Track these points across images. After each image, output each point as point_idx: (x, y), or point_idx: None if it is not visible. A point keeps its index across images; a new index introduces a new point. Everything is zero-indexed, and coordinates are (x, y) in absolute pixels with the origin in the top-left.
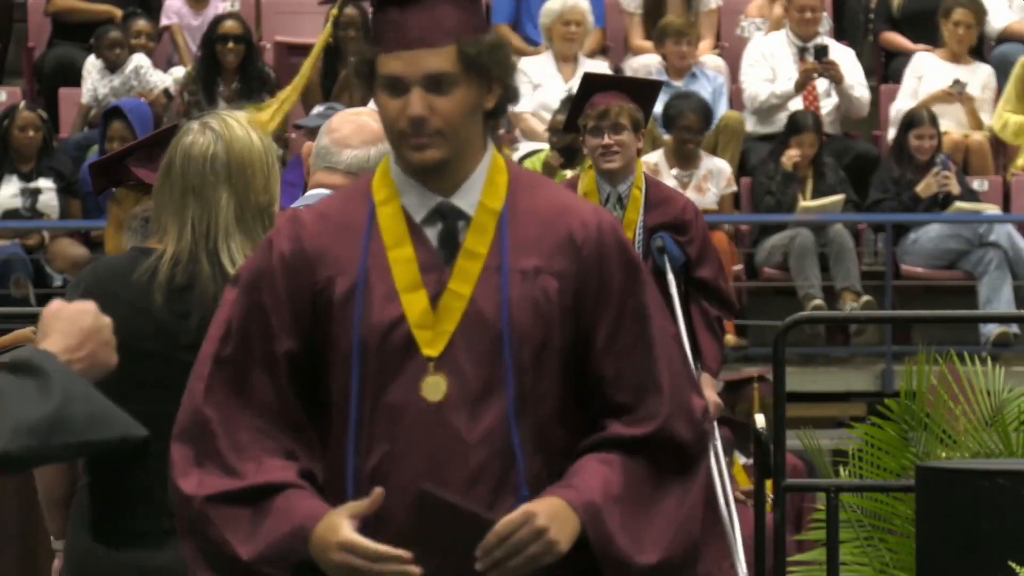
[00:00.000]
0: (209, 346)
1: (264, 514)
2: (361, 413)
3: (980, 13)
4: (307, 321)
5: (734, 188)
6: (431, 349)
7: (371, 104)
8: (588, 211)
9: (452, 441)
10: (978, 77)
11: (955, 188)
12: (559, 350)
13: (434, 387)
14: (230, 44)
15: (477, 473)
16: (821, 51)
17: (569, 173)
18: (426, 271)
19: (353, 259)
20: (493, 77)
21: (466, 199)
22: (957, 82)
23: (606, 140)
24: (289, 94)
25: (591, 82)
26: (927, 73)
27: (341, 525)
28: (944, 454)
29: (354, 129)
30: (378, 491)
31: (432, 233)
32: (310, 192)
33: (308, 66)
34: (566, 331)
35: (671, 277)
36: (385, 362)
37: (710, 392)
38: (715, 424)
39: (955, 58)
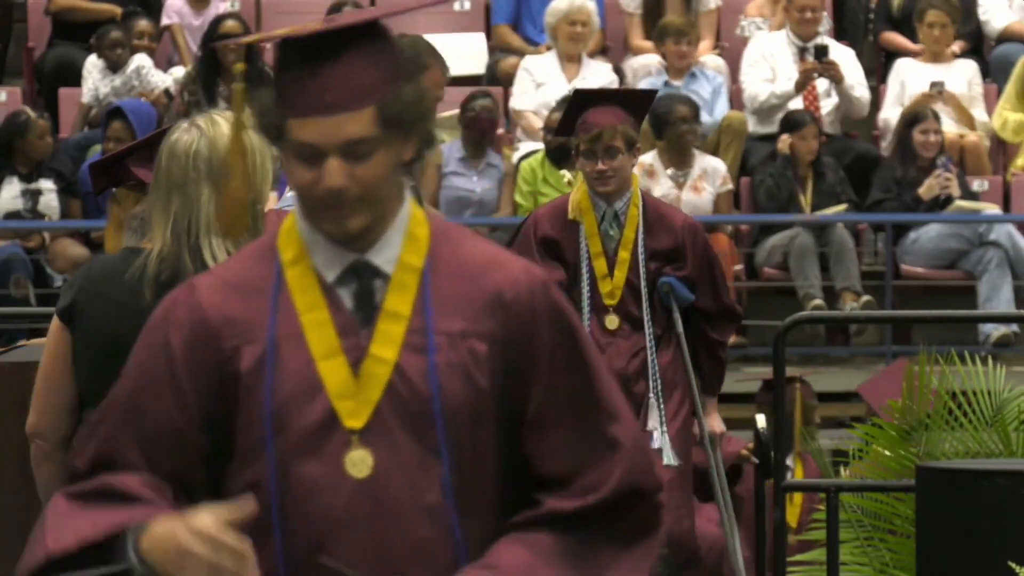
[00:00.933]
0: (95, 420)
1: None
2: (281, 498)
3: (954, 12)
4: (212, 402)
5: (730, 186)
6: (354, 421)
7: None
8: (518, 268)
9: (391, 518)
10: (962, 75)
11: (956, 190)
12: (494, 419)
13: (359, 462)
14: (231, 44)
15: (420, 551)
16: (821, 51)
17: (567, 174)
18: (344, 335)
19: (260, 326)
20: (414, 129)
21: (383, 255)
22: (934, 84)
23: (600, 166)
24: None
25: (582, 97)
26: (908, 78)
27: (200, 515)
28: (944, 454)
29: None
30: (249, 502)
31: (346, 294)
32: (290, 193)
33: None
34: (499, 399)
35: (677, 316)
36: (303, 438)
37: (714, 418)
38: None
39: (935, 59)
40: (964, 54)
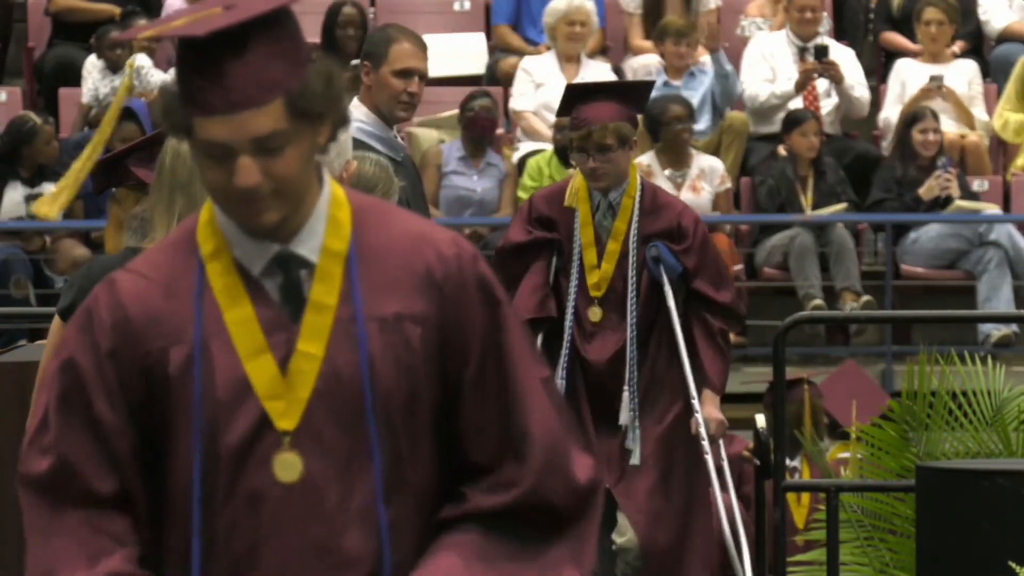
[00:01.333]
0: (28, 431)
1: None
2: (210, 505)
3: (952, 11)
4: (140, 405)
5: (729, 185)
6: (286, 422)
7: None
8: (445, 241)
9: (322, 525)
10: (961, 74)
11: (956, 191)
12: (429, 407)
13: (288, 466)
14: None
15: (347, 558)
16: (821, 51)
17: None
18: (271, 332)
19: (185, 325)
20: (327, 115)
21: (307, 244)
22: (933, 77)
23: (591, 164)
24: (80, 167)
25: (575, 92)
26: (908, 78)
27: None
28: (944, 454)
29: None
30: None
31: (272, 287)
32: None
33: (104, 128)
34: (434, 383)
35: (668, 288)
36: (233, 442)
37: (711, 409)
38: (720, 442)
39: (934, 58)
40: (964, 54)
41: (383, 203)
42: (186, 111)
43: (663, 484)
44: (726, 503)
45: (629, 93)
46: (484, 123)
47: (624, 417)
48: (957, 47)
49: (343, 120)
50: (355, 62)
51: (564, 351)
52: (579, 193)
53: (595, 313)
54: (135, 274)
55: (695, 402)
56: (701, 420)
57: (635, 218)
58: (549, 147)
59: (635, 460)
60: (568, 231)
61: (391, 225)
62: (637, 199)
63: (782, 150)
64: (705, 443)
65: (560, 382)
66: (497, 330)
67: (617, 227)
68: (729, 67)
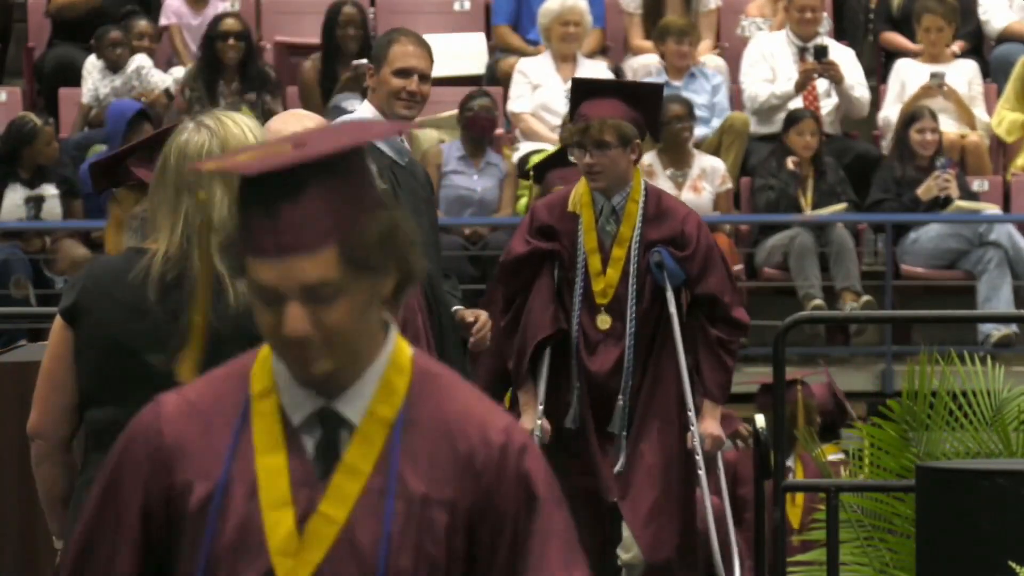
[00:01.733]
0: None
1: None
2: None
3: (951, 13)
4: (159, 536)
5: (730, 186)
6: None
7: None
8: (496, 427)
9: None
10: (962, 74)
11: (955, 192)
12: None
13: None
14: (231, 41)
15: None
16: (821, 51)
17: None
18: (298, 486)
19: (217, 461)
20: (387, 266)
21: (353, 405)
22: (934, 75)
23: (588, 159)
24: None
25: (581, 88)
26: (908, 78)
27: None
28: (944, 454)
29: (294, 131)
30: None
31: (309, 440)
32: None
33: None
34: (455, 566)
35: (670, 295)
36: None
37: (709, 423)
38: (718, 456)
39: (934, 59)
40: (964, 54)
41: (449, 373)
42: (241, 249)
43: (666, 499)
44: (717, 509)
45: (636, 94)
46: (484, 123)
47: (615, 426)
48: (957, 47)
49: (413, 275)
50: (356, 62)
51: (574, 362)
52: (582, 198)
53: (604, 320)
54: (182, 399)
55: (691, 414)
56: (696, 434)
57: (639, 223)
58: (549, 147)
59: (619, 467)
60: (571, 239)
61: (449, 400)
62: (641, 204)
63: (791, 164)
64: (699, 458)
65: (576, 389)
66: (528, 532)
67: (622, 233)
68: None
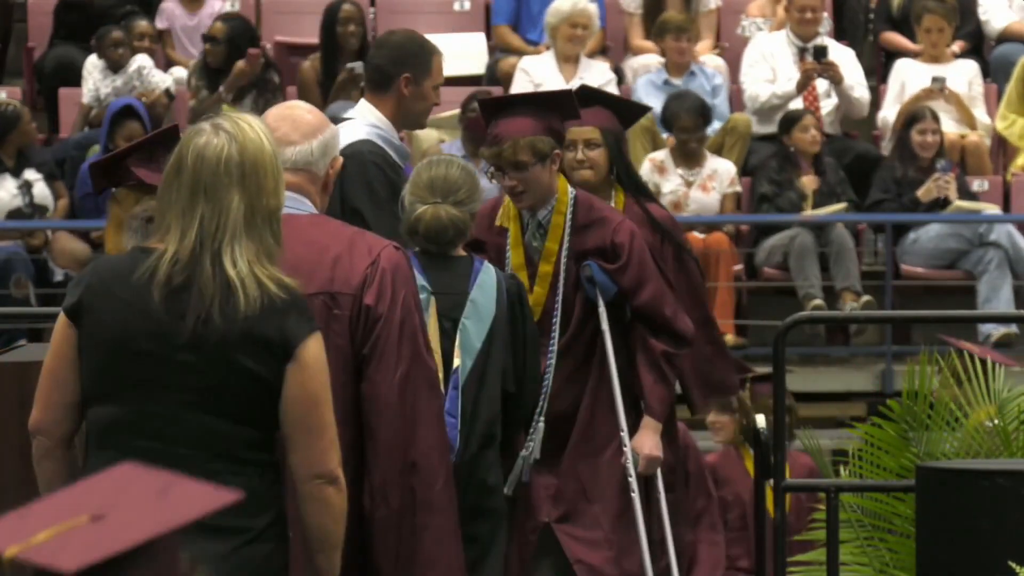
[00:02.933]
0: None
1: None
2: None
3: (951, 13)
4: None
5: (738, 188)
6: None
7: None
8: None
9: None
10: (962, 75)
11: (954, 195)
12: None
13: None
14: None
15: None
16: (820, 51)
17: None
18: None
19: None
20: None
21: None
22: (935, 79)
23: (508, 181)
24: None
25: (487, 106)
26: (908, 78)
27: None
28: (944, 454)
29: (291, 125)
30: None
31: None
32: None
33: None
34: None
35: (602, 310)
36: None
37: (645, 440)
38: (657, 478)
39: (934, 60)
40: (964, 54)
41: None
42: None
43: (605, 519)
44: (659, 538)
45: (547, 104)
46: (478, 126)
47: (534, 452)
48: (957, 47)
49: None
50: (350, 65)
51: None
52: (509, 212)
53: None
54: None
55: (624, 434)
56: (629, 455)
57: (566, 236)
58: None
59: (525, 477)
60: (499, 252)
61: None
62: (568, 216)
63: (807, 185)
64: (632, 480)
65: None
66: None
67: (548, 247)
68: None
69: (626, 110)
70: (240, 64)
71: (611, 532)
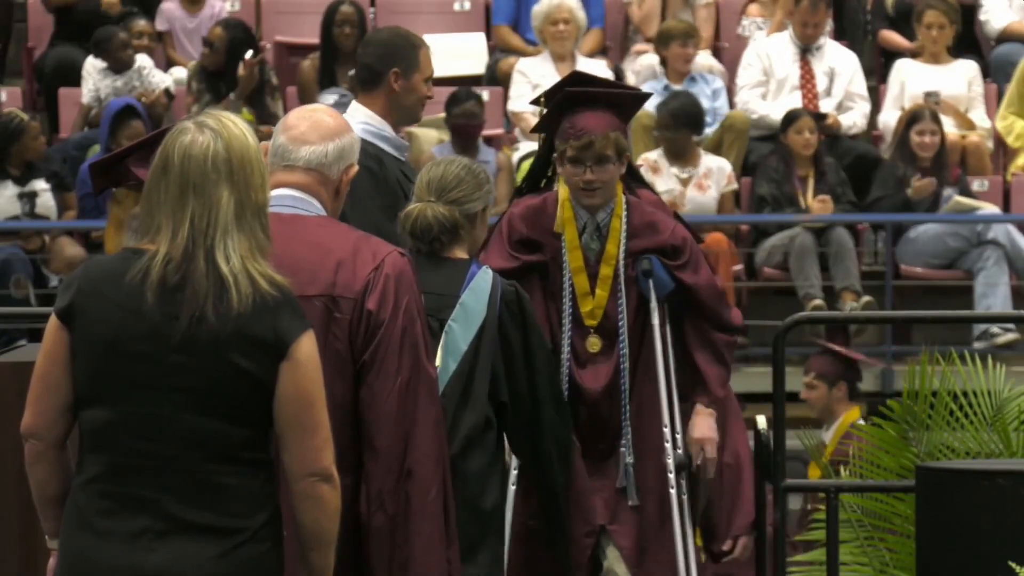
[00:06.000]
0: None
1: None
2: None
3: (952, 12)
4: None
5: (735, 186)
6: None
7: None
8: None
9: None
10: (962, 75)
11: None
12: None
13: None
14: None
15: None
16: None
17: None
18: None
19: None
20: None
21: None
22: (929, 93)
23: (588, 176)
24: None
25: (571, 99)
26: (908, 79)
27: None
28: (944, 454)
29: (310, 125)
30: None
31: None
32: (272, 193)
33: None
34: None
35: (654, 305)
36: None
37: (703, 425)
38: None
39: (934, 59)
40: (964, 54)
41: None
42: None
43: (660, 524)
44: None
45: (624, 104)
46: (468, 130)
47: (621, 480)
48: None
49: None
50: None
51: (564, 384)
52: (564, 214)
53: (593, 344)
54: None
55: (666, 430)
56: (670, 451)
57: (623, 239)
58: None
59: (633, 500)
60: (553, 252)
61: None
62: (624, 219)
63: (816, 207)
64: (671, 476)
65: None
66: None
67: (608, 251)
68: None
69: (624, 102)
70: (241, 72)
71: (646, 540)
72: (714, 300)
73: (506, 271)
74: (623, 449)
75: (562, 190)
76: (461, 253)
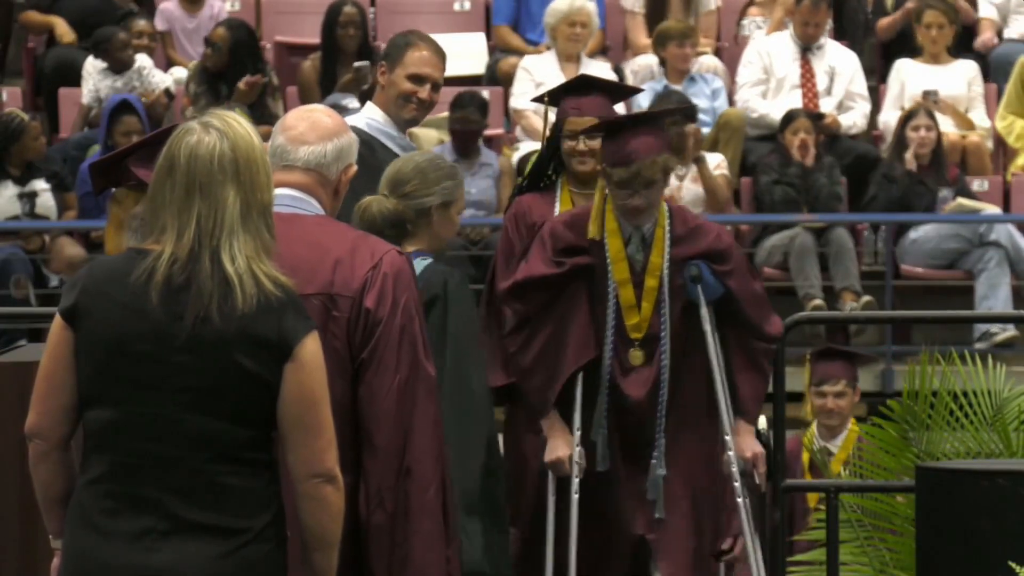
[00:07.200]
0: None
1: None
2: None
3: (952, 12)
4: None
5: (726, 171)
6: None
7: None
8: None
9: None
10: (962, 75)
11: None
12: None
13: None
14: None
15: None
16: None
17: None
18: None
19: None
20: None
21: None
22: (927, 92)
23: (636, 201)
24: None
25: (628, 122)
26: (908, 79)
27: None
28: (944, 454)
29: (309, 126)
30: None
31: None
32: (280, 191)
33: None
34: None
35: (704, 312)
36: None
37: (751, 442)
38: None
39: (934, 59)
40: (963, 54)
41: None
42: None
43: (697, 527)
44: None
45: (663, 122)
46: (467, 135)
47: (650, 492)
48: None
49: None
50: (357, 64)
51: (604, 394)
52: (606, 225)
53: (636, 356)
54: None
55: (728, 439)
56: (734, 459)
57: (667, 248)
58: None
59: (659, 513)
60: (599, 266)
61: None
62: (667, 228)
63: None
64: (738, 484)
65: (602, 431)
66: None
67: (653, 261)
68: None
69: (663, 120)
70: (242, 87)
71: (701, 546)
72: (757, 308)
73: (547, 277)
74: (654, 461)
75: (598, 197)
76: (412, 247)
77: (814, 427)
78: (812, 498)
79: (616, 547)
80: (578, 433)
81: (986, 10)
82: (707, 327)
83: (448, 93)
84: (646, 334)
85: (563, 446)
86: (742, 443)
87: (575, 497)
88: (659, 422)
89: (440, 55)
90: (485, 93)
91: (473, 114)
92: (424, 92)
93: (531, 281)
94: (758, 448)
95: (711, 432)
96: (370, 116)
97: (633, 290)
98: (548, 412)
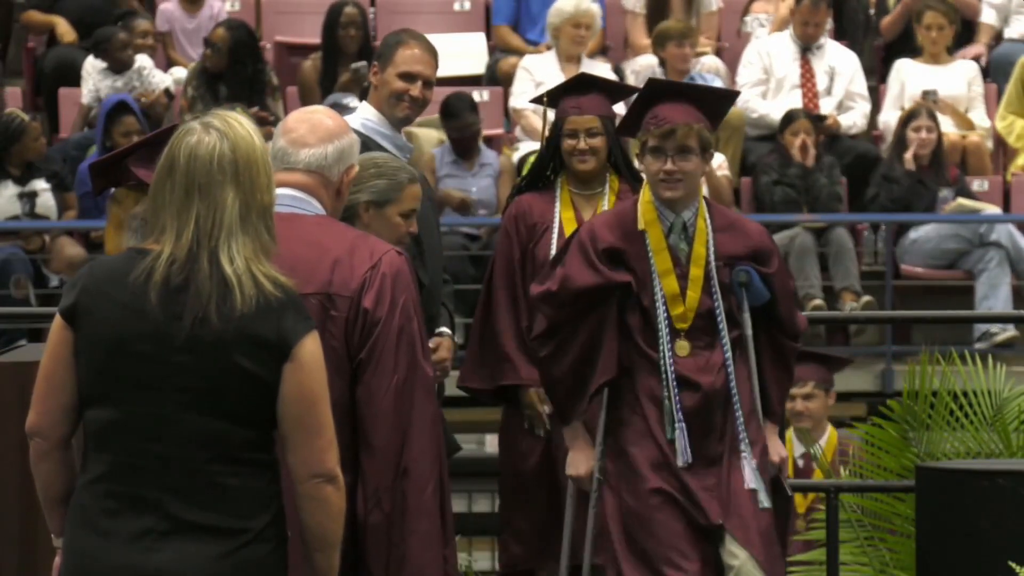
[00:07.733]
0: None
1: None
2: None
3: (952, 12)
4: None
5: (727, 172)
6: None
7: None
8: None
9: None
10: (961, 75)
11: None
12: None
13: None
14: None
15: None
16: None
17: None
18: None
19: None
20: None
21: None
22: (927, 92)
23: (668, 166)
24: None
25: (654, 89)
26: (908, 80)
27: None
28: (944, 454)
29: (309, 128)
30: None
31: None
32: (280, 190)
33: None
34: None
35: (747, 316)
36: None
37: (777, 444)
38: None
39: (934, 59)
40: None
41: None
42: None
43: (770, 540)
44: None
45: (709, 101)
46: (464, 142)
47: (747, 459)
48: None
49: None
50: (355, 64)
51: (673, 393)
52: (645, 215)
53: (682, 347)
54: None
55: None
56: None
57: (711, 239)
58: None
59: (765, 503)
60: (640, 261)
61: None
62: (708, 219)
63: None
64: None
65: (680, 425)
66: None
67: (697, 251)
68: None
69: (710, 100)
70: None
71: (766, 522)
72: (791, 308)
73: (587, 288)
74: (743, 450)
75: (644, 192)
76: None
77: (790, 432)
78: (801, 503)
79: (694, 537)
80: (599, 448)
81: (987, 15)
82: (748, 331)
83: (447, 93)
84: (692, 324)
85: (584, 461)
86: (776, 446)
87: (592, 512)
88: (734, 406)
89: (431, 52)
90: (484, 93)
91: (468, 118)
92: (416, 89)
93: (568, 292)
94: (783, 451)
95: (761, 431)
96: (365, 116)
97: (676, 281)
98: (572, 423)
